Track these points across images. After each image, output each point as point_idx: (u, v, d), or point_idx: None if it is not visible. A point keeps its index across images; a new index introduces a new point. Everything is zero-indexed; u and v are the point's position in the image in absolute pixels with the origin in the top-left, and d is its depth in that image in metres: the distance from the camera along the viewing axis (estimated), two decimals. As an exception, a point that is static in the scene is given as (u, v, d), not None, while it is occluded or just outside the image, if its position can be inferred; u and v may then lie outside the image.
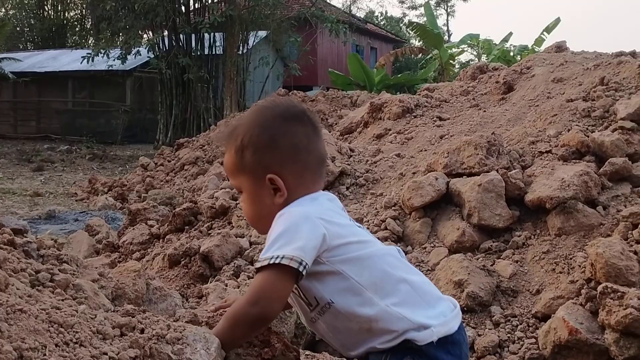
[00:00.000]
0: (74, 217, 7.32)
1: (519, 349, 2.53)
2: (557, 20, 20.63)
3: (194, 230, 3.99)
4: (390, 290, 1.44)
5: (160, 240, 4.08)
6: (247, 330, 1.50)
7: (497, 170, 3.13)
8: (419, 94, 5.01)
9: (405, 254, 3.07)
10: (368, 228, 3.28)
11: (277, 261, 1.35)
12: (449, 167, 3.29)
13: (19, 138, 18.38)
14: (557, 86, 4.11)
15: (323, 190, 1.60)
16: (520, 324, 2.65)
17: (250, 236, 3.62)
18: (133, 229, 4.29)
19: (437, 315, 1.46)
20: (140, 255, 3.92)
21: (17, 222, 2.58)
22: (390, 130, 4.44)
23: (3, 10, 28.93)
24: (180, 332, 1.51)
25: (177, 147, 9.88)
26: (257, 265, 1.42)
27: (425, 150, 3.87)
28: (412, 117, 4.54)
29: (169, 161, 9.23)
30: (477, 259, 2.91)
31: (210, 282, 3.24)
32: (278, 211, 1.49)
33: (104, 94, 19.56)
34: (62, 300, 1.63)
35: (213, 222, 3.98)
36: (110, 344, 1.39)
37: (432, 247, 3.09)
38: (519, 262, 2.90)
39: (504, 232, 3.07)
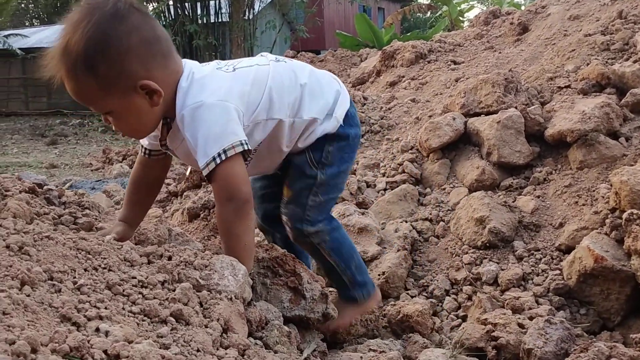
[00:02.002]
0: (91, 186, 7.35)
1: (544, 280, 2.51)
2: (569, -30, 20.11)
3: (211, 185, 3.99)
4: (297, 107, 1.66)
5: (178, 197, 4.09)
6: (242, 225, 1.56)
7: (515, 107, 3.08)
8: (432, 41, 4.91)
9: (424, 196, 3.08)
10: (385, 173, 3.26)
11: (223, 157, 1.45)
12: (466, 106, 3.24)
13: (31, 114, 18.43)
14: (574, 23, 4.01)
15: None
16: (544, 257, 2.62)
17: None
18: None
19: (333, 101, 1.73)
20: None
21: (35, 177, 2.60)
22: (403, 77, 4.37)
23: (6, -13, 28.73)
24: (208, 260, 1.51)
25: (188, 114, 9.89)
26: (206, 172, 1.48)
27: (441, 94, 3.81)
28: (426, 62, 4.46)
29: (181, 127, 9.23)
30: (498, 196, 2.89)
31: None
32: (159, 110, 1.51)
33: (113, 67, 19.46)
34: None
35: (230, 176, 3.98)
36: (139, 269, 1.39)
37: (452, 187, 3.06)
38: (540, 197, 2.87)
39: (525, 168, 3.03)
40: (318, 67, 9.01)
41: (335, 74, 9.05)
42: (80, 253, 1.35)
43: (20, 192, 2.14)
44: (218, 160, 1.45)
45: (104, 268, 1.34)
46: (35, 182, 2.41)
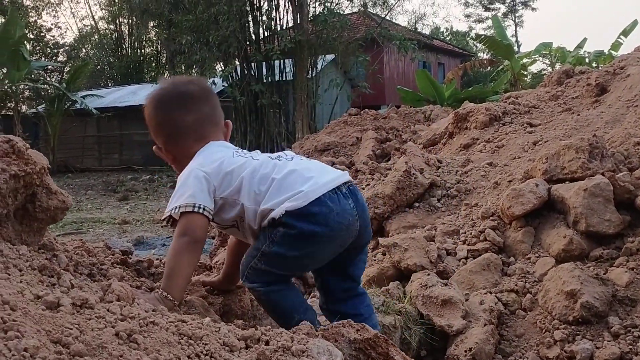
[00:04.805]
0: (162, 242, 7.54)
1: (645, 361, 2.35)
2: (635, 23, 19.80)
3: (285, 249, 3.99)
4: (262, 197, 1.85)
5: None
6: (188, 256, 1.79)
7: (602, 174, 2.97)
8: (504, 102, 4.85)
9: (509, 266, 2.97)
10: (465, 240, 3.18)
11: (176, 211, 1.76)
12: (548, 172, 3.15)
13: (104, 170, 19.27)
14: (657, 84, 3.88)
15: None
16: (643, 335, 2.46)
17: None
18: (224, 249, 4.34)
19: (293, 195, 1.84)
20: (233, 276, 3.95)
21: (122, 244, 2.66)
22: (478, 139, 4.31)
23: (84, 50, 30.67)
24: (304, 345, 1.48)
25: (255, 171, 10.07)
26: (161, 216, 1.87)
27: (519, 158, 3.72)
28: (501, 124, 4.40)
29: (247, 185, 9.38)
30: (588, 268, 2.75)
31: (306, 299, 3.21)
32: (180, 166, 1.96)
33: (181, 124, 20.19)
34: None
35: (303, 240, 3.97)
36: (238, 355, 1.37)
37: (537, 257, 2.94)
38: (634, 270, 2.71)
39: (615, 238, 2.89)
40: (382, 123, 9.02)
41: (399, 130, 9.02)
42: (182, 338, 1.35)
43: (112, 263, 2.21)
44: (172, 212, 1.76)
45: (206, 354, 1.33)
46: (122, 249, 2.49)
